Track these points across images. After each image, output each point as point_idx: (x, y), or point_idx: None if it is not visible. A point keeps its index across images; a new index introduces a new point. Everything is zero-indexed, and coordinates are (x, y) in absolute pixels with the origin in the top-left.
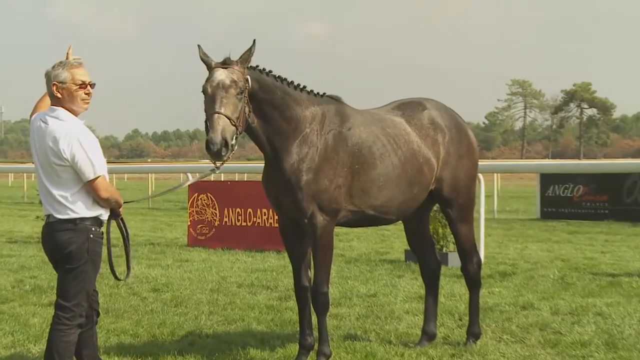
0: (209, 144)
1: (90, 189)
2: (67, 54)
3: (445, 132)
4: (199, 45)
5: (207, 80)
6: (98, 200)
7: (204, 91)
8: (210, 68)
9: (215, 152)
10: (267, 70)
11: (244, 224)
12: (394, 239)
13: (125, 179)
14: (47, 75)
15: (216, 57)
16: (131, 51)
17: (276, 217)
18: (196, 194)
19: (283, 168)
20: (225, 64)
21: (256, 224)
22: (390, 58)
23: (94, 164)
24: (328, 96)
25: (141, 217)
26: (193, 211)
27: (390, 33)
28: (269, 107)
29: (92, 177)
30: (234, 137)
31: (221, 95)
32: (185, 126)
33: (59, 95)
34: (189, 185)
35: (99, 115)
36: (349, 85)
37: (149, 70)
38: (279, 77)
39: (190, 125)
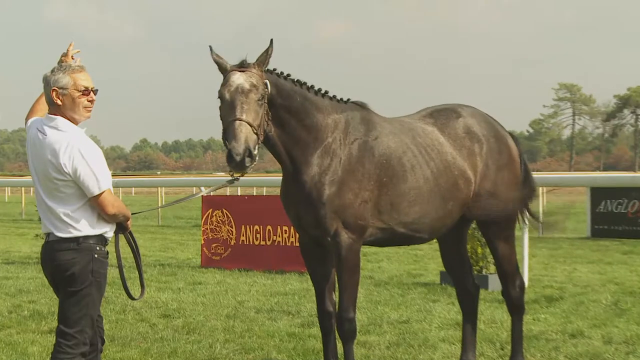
0: (231, 154)
1: (95, 204)
2: (67, 50)
3: (482, 143)
4: (210, 47)
5: (224, 84)
6: (104, 216)
7: (221, 97)
8: (224, 71)
9: (239, 163)
10: (284, 73)
11: (262, 242)
12: (428, 259)
13: (133, 193)
14: (46, 80)
15: (229, 60)
16: (138, 52)
17: (298, 236)
18: (210, 210)
19: (303, 181)
20: (242, 66)
21: (276, 243)
22: (421, 62)
23: (99, 178)
24: (352, 102)
25: (150, 235)
26: (207, 229)
27: (421, 35)
28: (287, 114)
29: (96, 192)
30: (257, 147)
31: (241, 101)
32: (198, 135)
33: (59, 102)
34: (202, 201)
35: (104, 124)
36: (374, 91)
37: (158, 73)
38: (297, 81)
39: (204, 135)
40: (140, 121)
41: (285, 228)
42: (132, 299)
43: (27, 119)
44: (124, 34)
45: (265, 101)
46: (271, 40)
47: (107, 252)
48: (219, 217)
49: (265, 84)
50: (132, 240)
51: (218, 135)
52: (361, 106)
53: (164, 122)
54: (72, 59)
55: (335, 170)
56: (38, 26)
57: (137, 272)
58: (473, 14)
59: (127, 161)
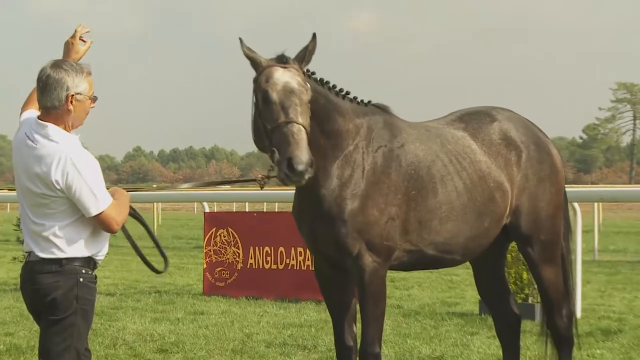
0: (291, 163)
1: (96, 224)
2: (75, 32)
3: (521, 150)
4: (240, 39)
5: (266, 81)
6: (107, 233)
7: (266, 96)
8: (260, 66)
9: (300, 173)
10: (309, 70)
11: (274, 266)
12: (465, 285)
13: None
14: (60, 82)
15: (238, 57)
16: (131, 48)
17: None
18: (214, 229)
19: (321, 195)
20: (282, 62)
21: (290, 267)
22: (457, 61)
23: (98, 196)
24: (373, 105)
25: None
26: (210, 250)
27: (457, 31)
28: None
29: (95, 212)
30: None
31: (294, 102)
32: (199, 143)
33: (70, 108)
34: (204, 218)
35: (91, 130)
36: (401, 93)
37: (154, 73)
38: (320, 79)
39: (207, 142)
40: (134, 126)
41: (300, 250)
42: (157, 272)
43: (23, 109)
44: (115, 28)
45: (309, 105)
46: (314, 34)
47: (96, 277)
48: (224, 236)
49: (309, 86)
50: (137, 215)
51: (222, 143)
52: (383, 109)
53: (160, 128)
54: (82, 40)
55: (357, 183)
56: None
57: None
58: (516, 7)
59: (119, 172)
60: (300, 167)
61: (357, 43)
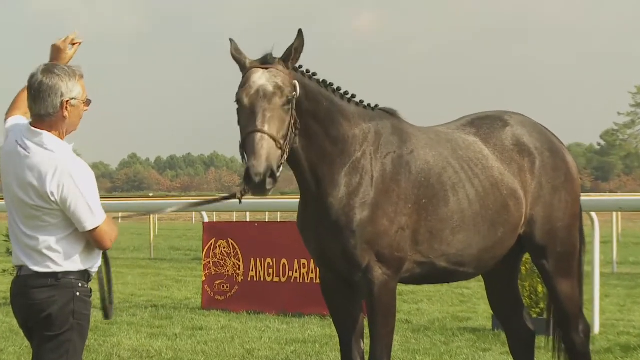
0: (249, 173)
1: (89, 238)
2: (68, 37)
3: (535, 157)
4: (231, 40)
5: (242, 85)
6: (99, 249)
7: (239, 101)
8: (244, 68)
9: (258, 185)
10: (309, 71)
11: (276, 279)
12: (477, 299)
13: (120, 219)
14: (54, 88)
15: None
16: (127, 49)
17: (319, 271)
18: (213, 240)
19: (328, 205)
20: (265, 62)
21: (293, 280)
22: (465, 62)
23: (94, 210)
24: (381, 109)
25: (140, 270)
26: (209, 262)
27: (464, 31)
28: (314, 121)
29: (90, 227)
30: (281, 165)
31: (263, 107)
32: (198, 150)
33: (66, 115)
34: (203, 229)
35: (84, 135)
36: (408, 95)
37: (151, 75)
38: (323, 81)
39: (206, 149)
40: (129, 132)
41: (303, 262)
42: (106, 316)
43: (7, 115)
44: (112, 28)
45: (294, 107)
46: (299, 30)
47: (91, 290)
48: (224, 248)
49: (294, 85)
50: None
51: (222, 149)
52: (390, 114)
53: (157, 134)
54: (73, 43)
55: (366, 191)
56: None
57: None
58: (529, 4)
59: (113, 180)
60: (256, 178)
61: (358, 42)
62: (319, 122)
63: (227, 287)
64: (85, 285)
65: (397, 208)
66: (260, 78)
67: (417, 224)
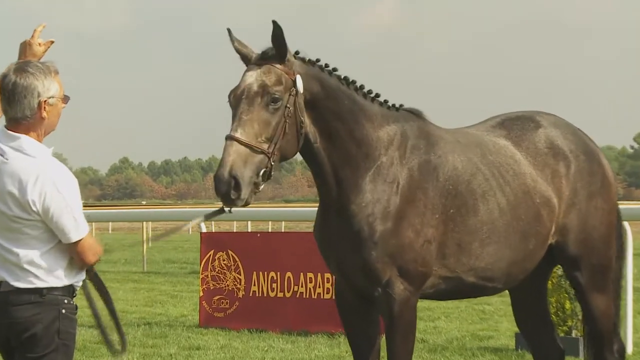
0: (214, 181)
1: (71, 252)
2: (35, 31)
3: (570, 160)
4: (229, 30)
5: (236, 86)
6: (80, 264)
7: (229, 102)
8: (247, 63)
9: (223, 195)
10: (329, 67)
11: (280, 294)
12: (499, 316)
13: (110, 229)
14: (29, 89)
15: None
16: (118, 46)
17: (327, 285)
18: (212, 252)
19: (351, 213)
20: (263, 58)
21: (298, 295)
22: (494, 59)
23: (79, 221)
24: (405, 109)
25: (133, 285)
26: (207, 276)
27: (493, 26)
28: (336, 120)
29: (75, 239)
30: (259, 172)
31: (241, 110)
32: (195, 154)
33: (44, 115)
34: (201, 240)
35: (71, 138)
36: (431, 96)
37: (144, 74)
38: (344, 78)
39: (204, 153)
40: (120, 135)
41: (310, 275)
42: (116, 354)
43: None
44: (102, 25)
45: (291, 105)
46: (273, 21)
47: (77, 307)
48: (223, 260)
49: (293, 82)
50: (99, 281)
51: (220, 153)
52: (416, 115)
53: (150, 137)
54: (40, 45)
55: (391, 199)
56: None
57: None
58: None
59: (103, 187)
60: (221, 188)
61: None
62: (342, 121)
63: (226, 303)
64: (71, 302)
65: (424, 219)
66: (251, 76)
67: (443, 235)
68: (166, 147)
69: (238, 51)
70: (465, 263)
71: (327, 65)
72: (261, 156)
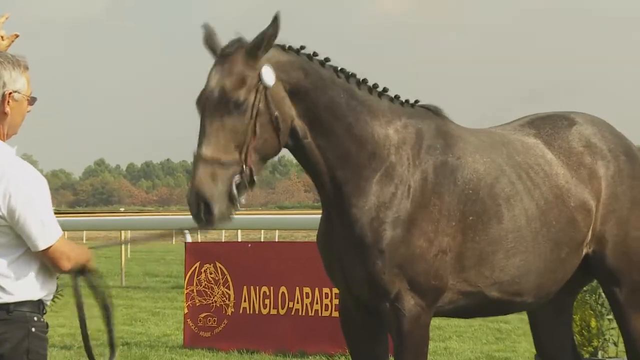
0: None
1: (44, 259)
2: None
3: (609, 161)
4: (205, 27)
5: (200, 92)
6: (57, 272)
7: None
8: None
9: (195, 217)
10: (320, 57)
11: (273, 311)
12: (516, 335)
13: (84, 239)
14: None
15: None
16: (91, 36)
17: (325, 301)
18: (197, 264)
19: (352, 217)
20: (224, 54)
21: (294, 312)
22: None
23: (47, 224)
24: (421, 106)
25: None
26: (192, 291)
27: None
28: (329, 114)
29: (44, 246)
30: (232, 183)
31: (205, 121)
32: (179, 155)
33: (7, 111)
34: (185, 250)
35: (41, 139)
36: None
37: (121, 66)
38: (341, 70)
39: (189, 154)
40: (96, 134)
41: (306, 290)
42: None
43: None
44: (74, 13)
45: (261, 101)
46: (275, 17)
47: (47, 325)
48: (210, 273)
49: (259, 76)
50: (95, 285)
51: None
52: (434, 112)
53: (129, 136)
54: (2, 39)
55: (401, 204)
56: None
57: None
58: None
59: (76, 192)
60: (192, 211)
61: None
62: (337, 116)
63: (214, 321)
64: (41, 319)
65: (438, 226)
66: (212, 78)
67: (462, 246)
68: (147, 148)
69: (207, 47)
70: (487, 276)
71: (315, 54)
72: (233, 167)
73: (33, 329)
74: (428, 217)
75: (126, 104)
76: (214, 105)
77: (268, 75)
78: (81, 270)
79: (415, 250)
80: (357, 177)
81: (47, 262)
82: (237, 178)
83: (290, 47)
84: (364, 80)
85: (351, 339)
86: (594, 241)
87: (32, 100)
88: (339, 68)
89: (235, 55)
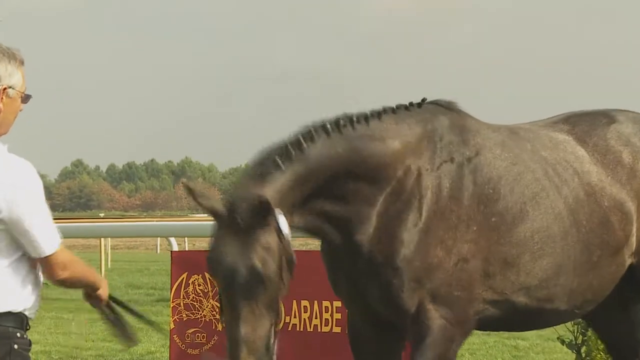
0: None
1: (42, 265)
2: None
3: None
4: (184, 183)
5: (210, 258)
6: (51, 280)
7: (213, 277)
8: (218, 222)
9: None
10: (304, 136)
11: None
12: (534, 353)
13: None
14: None
15: (221, 39)
16: (69, 26)
17: (325, 316)
18: (185, 275)
19: (356, 242)
20: (233, 219)
21: (290, 328)
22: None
23: (52, 229)
24: (431, 103)
25: (88, 315)
26: (179, 305)
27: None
28: (331, 192)
29: (50, 252)
30: (271, 340)
31: (241, 305)
32: (164, 155)
33: (0, 108)
34: (171, 259)
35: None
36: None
37: (101, 59)
38: (336, 122)
39: (175, 154)
40: (73, 133)
41: (304, 304)
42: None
43: None
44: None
45: (284, 266)
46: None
47: (30, 343)
48: (199, 285)
49: (278, 231)
50: (112, 308)
51: (196, 155)
52: (446, 108)
53: (110, 135)
54: None
55: (412, 216)
56: None
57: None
58: None
59: (51, 196)
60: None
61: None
62: (339, 185)
63: (203, 337)
64: (24, 336)
65: (457, 233)
66: (230, 252)
67: (486, 251)
68: (129, 147)
69: (203, 207)
70: (513, 281)
71: (309, 135)
72: (268, 328)
73: (16, 346)
74: (444, 224)
75: (106, 99)
76: (244, 287)
77: (285, 228)
78: (92, 299)
79: (432, 260)
80: (358, 208)
81: (43, 268)
82: (271, 333)
83: (283, 162)
84: (359, 117)
85: (361, 357)
86: (638, 252)
87: (26, 98)
88: (328, 126)
89: (248, 218)
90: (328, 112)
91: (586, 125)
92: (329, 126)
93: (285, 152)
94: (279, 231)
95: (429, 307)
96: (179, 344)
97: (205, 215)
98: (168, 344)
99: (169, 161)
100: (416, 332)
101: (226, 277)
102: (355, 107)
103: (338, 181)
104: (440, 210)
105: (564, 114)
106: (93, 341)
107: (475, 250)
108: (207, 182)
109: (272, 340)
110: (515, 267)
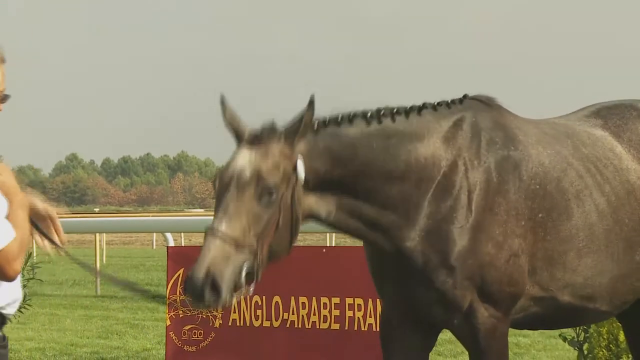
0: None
1: None
2: None
3: None
4: (222, 101)
5: (223, 166)
6: (3, 278)
7: (213, 184)
8: (239, 142)
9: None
10: (343, 118)
11: (266, 323)
12: (536, 350)
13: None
14: None
15: (219, 30)
16: (61, 15)
17: (324, 312)
18: (181, 271)
19: (405, 249)
20: (258, 138)
21: (289, 325)
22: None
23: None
24: (472, 99)
25: (84, 312)
26: (176, 301)
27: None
28: (361, 181)
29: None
30: (242, 271)
31: (229, 199)
32: (160, 149)
33: None
34: (167, 255)
35: (6, 131)
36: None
37: (96, 50)
38: (371, 115)
39: (171, 148)
40: (67, 127)
41: (302, 300)
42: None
43: None
44: None
45: (289, 196)
46: (311, 101)
47: (5, 339)
48: None
49: (294, 168)
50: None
51: (192, 149)
52: (486, 104)
53: (105, 128)
54: None
55: (463, 213)
56: None
57: None
58: None
59: (46, 190)
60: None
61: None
62: (372, 176)
63: (200, 334)
64: (0, 334)
65: (507, 228)
66: (243, 158)
67: (533, 246)
68: (124, 141)
69: (229, 126)
70: (560, 278)
71: (341, 118)
72: (246, 254)
73: None
74: (494, 220)
75: (101, 92)
76: (243, 185)
77: (301, 168)
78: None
79: (484, 258)
80: (403, 212)
81: None
82: (247, 266)
83: (317, 124)
84: (398, 110)
85: (391, 355)
86: None
87: (4, 98)
88: (368, 114)
89: (271, 140)
90: (328, 111)
91: (618, 119)
92: (368, 114)
93: (322, 119)
94: (295, 167)
95: (478, 306)
96: (175, 340)
97: (202, 210)
98: (164, 340)
99: (165, 155)
100: (467, 332)
101: (228, 176)
102: (355, 107)
103: (375, 184)
104: (490, 206)
105: (592, 107)
106: (88, 338)
107: (524, 245)
108: (204, 176)
109: (243, 270)
110: (561, 264)
